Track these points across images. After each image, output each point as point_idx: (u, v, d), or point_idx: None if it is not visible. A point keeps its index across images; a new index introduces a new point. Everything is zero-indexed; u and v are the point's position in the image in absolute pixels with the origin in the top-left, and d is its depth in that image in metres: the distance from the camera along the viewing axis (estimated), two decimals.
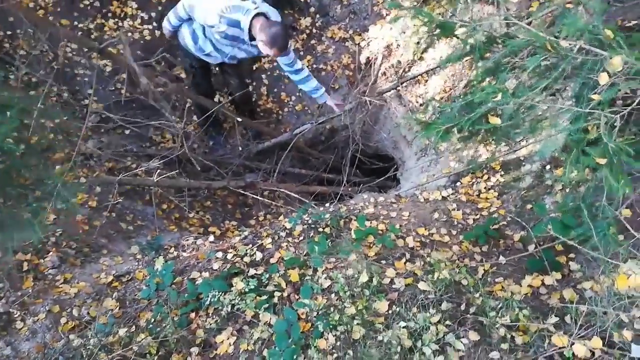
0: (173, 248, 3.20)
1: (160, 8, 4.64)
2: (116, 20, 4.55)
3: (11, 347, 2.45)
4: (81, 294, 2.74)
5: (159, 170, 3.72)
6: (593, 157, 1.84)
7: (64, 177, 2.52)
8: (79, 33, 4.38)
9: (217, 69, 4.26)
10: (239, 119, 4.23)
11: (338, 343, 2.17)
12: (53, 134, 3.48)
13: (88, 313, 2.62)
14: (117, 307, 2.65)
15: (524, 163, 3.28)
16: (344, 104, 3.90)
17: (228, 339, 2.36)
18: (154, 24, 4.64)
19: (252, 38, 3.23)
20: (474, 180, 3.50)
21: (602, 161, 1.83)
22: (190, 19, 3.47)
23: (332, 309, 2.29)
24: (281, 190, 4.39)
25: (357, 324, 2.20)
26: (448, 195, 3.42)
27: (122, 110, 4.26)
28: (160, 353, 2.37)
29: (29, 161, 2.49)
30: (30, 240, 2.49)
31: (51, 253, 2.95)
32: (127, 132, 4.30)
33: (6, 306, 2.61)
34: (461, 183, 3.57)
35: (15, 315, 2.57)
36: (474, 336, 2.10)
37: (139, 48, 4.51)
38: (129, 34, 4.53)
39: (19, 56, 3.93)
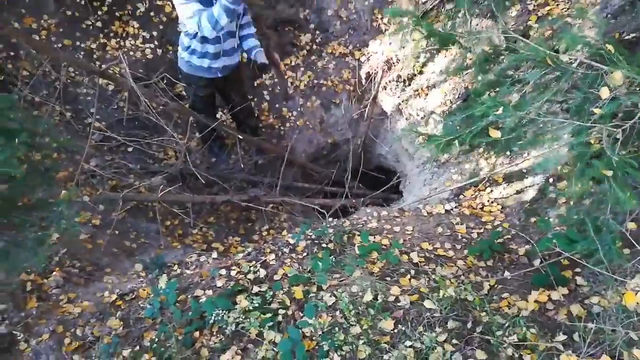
0: (177, 265, 3.18)
1: (161, 27, 4.68)
2: (118, 39, 4.59)
3: None
4: (85, 313, 2.72)
5: (162, 187, 3.72)
6: (599, 169, 1.83)
7: (67, 197, 2.52)
8: (82, 53, 4.41)
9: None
10: (240, 137, 4.25)
11: None
12: (56, 153, 3.49)
13: (92, 333, 2.60)
14: (121, 327, 2.63)
15: (526, 176, 3.27)
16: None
17: (232, 358, 2.34)
18: (156, 42, 4.67)
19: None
20: (476, 194, 3.49)
21: (609, 173, 1.82)
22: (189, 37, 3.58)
23: (337, 328, 2.27)
24: (285, 203, 4.38)
25: (363, 343, 2.17)
26: (451, 209, 3.40)
27: (124, 128, 4.27)
28: None
29: (33, 181, 2.50)
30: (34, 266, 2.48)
31: (55, 273, 2.94)
32: (130, 149, 4.32)
33: (9, 327, 2.59)
34: (464, 196, 3.56)
35: (19, 337, 2.55)
36: (481, 355, 2.07)
37: (141, 66, 4.55)
38: (131, 52, 4.57)
39: (21, 77, 3.96)
